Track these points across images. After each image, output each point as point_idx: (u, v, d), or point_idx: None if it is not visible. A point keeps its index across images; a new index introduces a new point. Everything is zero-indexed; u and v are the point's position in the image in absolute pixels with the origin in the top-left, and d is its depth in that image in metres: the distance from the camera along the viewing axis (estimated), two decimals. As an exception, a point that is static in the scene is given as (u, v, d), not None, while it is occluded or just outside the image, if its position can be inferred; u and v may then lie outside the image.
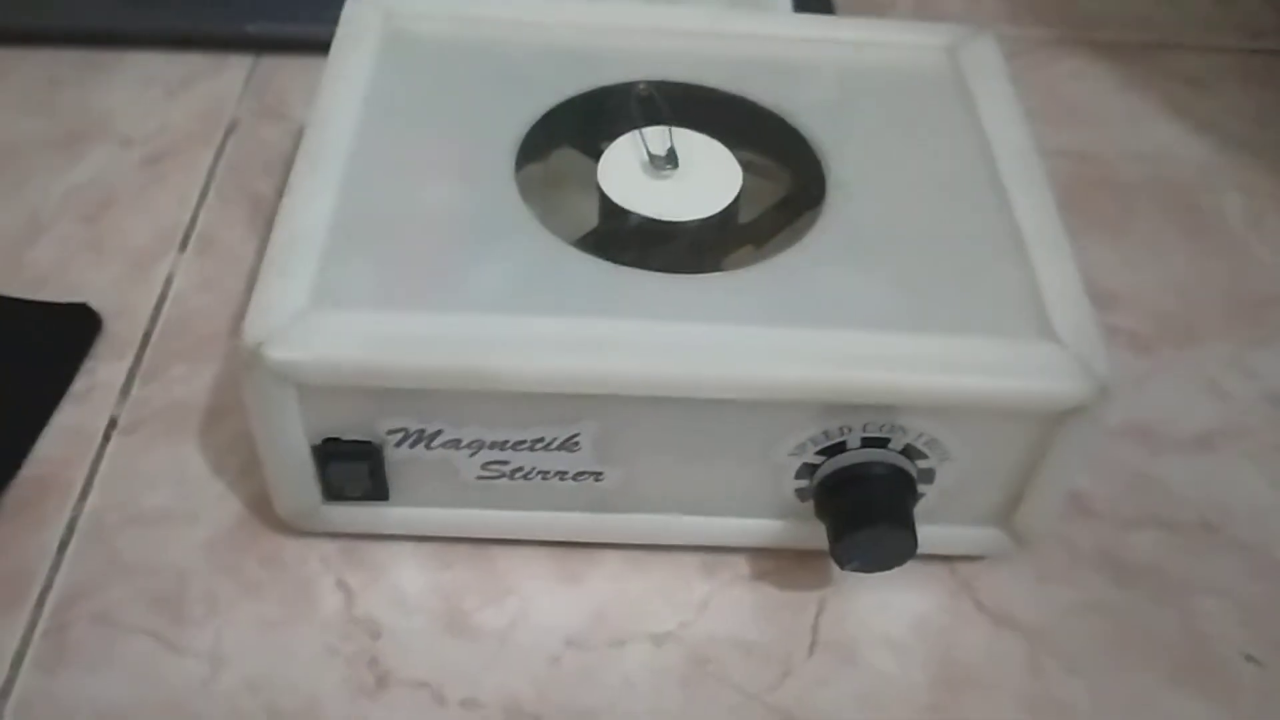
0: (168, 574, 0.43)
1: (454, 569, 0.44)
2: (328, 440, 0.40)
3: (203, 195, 0.57)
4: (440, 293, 0.39)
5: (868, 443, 0.40)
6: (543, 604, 0.43)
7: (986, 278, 0.41)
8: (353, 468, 0.40)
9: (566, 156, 0.48)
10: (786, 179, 0.48)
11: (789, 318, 0.39)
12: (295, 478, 0.41)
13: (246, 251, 0.54)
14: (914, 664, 0.42)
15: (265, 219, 0.55)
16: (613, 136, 0.46)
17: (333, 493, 0.42)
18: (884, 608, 0.44)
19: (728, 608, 0.43)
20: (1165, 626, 0.44)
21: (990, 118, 0.47)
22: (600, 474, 0.41)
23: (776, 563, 0.45)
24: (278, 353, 0.37)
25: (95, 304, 0.51)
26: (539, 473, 0.41)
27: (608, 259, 0.43)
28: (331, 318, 0.38)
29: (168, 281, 0.53)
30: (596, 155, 0.45)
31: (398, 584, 0.43)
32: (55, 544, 0.43)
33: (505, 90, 0.47)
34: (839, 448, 0.40)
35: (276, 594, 0.43)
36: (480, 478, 0.41)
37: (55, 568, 0.43)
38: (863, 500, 0.40)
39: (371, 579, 0.43)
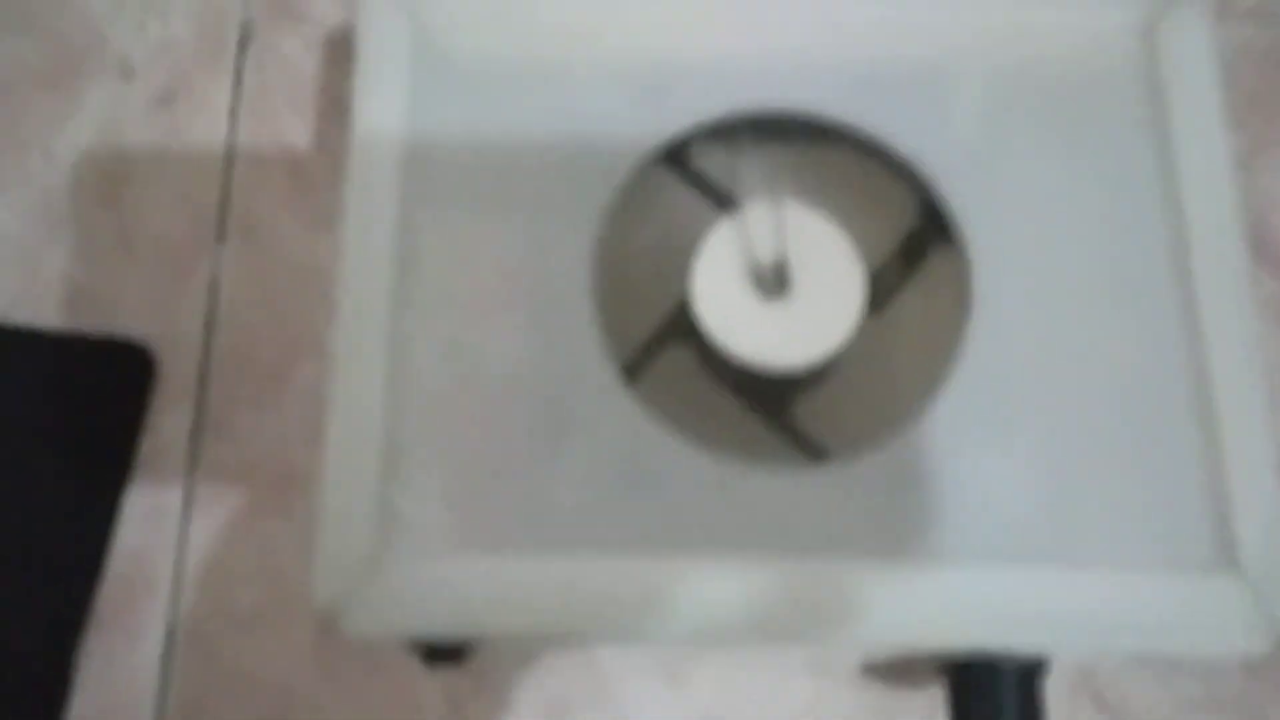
0: (269, 688, 0.43)
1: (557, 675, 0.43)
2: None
3: (229, 156, 0.49)
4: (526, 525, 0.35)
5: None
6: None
7: (1157, 462, 0.35)
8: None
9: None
10: (904, 220, 0.39)
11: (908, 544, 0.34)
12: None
13: (294, 237, 0.48)
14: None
15: (308, 184, 0.48)
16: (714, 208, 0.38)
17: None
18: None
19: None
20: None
21: (1189, 159, 0.37)
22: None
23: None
24: (354, 623, 0.34)
25: (137, 328, 0.46)
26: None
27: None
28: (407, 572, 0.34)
29: (212, 289, 0.47)
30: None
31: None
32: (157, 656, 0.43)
33: (573, 148, 0.38)
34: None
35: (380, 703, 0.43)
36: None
37: (164, 686, 0.43)
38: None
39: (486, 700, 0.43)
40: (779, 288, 0.36)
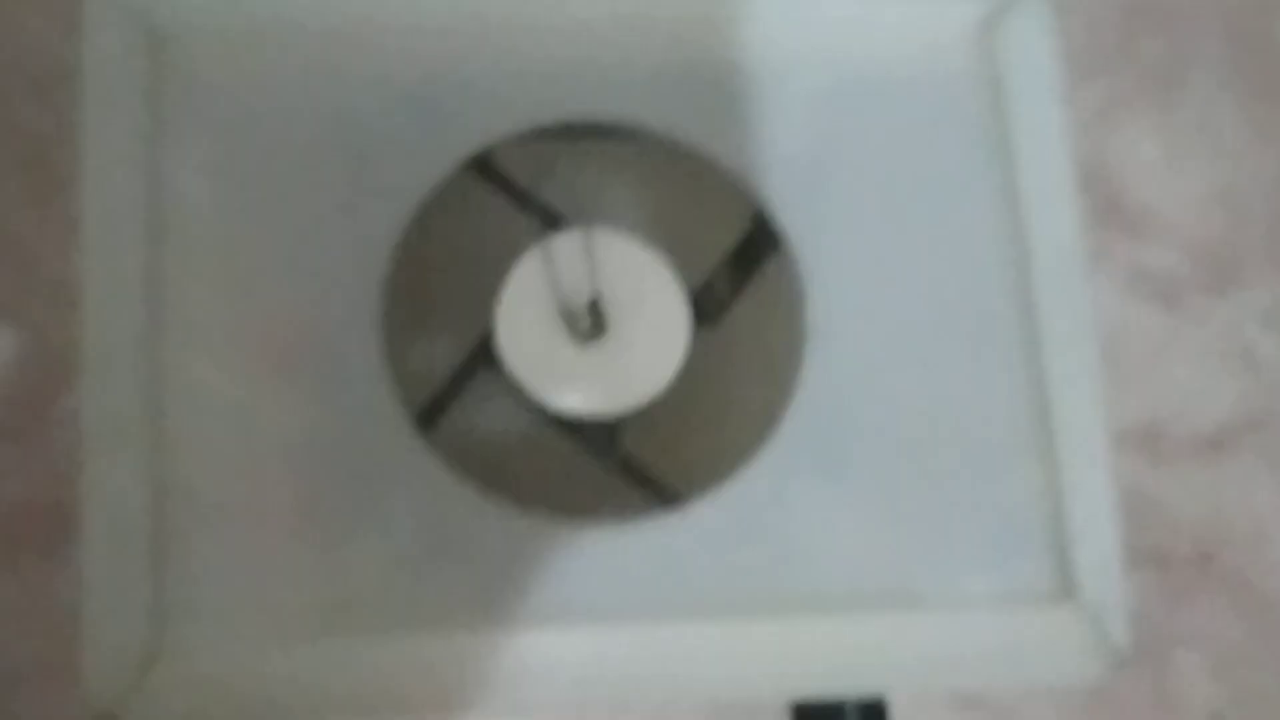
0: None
1: None
2: None
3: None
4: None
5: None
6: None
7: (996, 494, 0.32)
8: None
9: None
10: (733, 228, 0.36)
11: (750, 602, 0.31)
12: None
13: (43, 243, 0.41)
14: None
15: (54, 179, 0.41)
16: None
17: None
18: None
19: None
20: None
21: (1030, 168, 0.34)
22: None
23: None
24: None
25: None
26: None
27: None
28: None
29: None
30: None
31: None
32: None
33: (353, 170, 0.32)
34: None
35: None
36: None
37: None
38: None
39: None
40: (594, 331, 0.32)
